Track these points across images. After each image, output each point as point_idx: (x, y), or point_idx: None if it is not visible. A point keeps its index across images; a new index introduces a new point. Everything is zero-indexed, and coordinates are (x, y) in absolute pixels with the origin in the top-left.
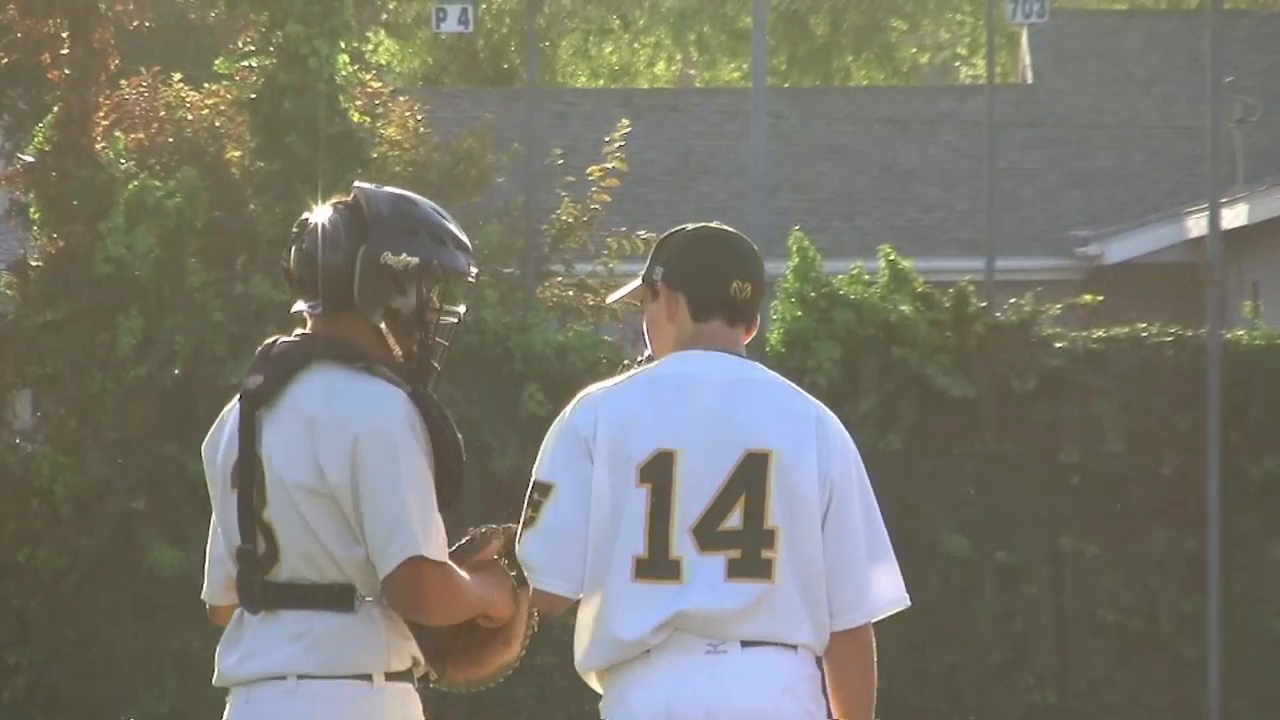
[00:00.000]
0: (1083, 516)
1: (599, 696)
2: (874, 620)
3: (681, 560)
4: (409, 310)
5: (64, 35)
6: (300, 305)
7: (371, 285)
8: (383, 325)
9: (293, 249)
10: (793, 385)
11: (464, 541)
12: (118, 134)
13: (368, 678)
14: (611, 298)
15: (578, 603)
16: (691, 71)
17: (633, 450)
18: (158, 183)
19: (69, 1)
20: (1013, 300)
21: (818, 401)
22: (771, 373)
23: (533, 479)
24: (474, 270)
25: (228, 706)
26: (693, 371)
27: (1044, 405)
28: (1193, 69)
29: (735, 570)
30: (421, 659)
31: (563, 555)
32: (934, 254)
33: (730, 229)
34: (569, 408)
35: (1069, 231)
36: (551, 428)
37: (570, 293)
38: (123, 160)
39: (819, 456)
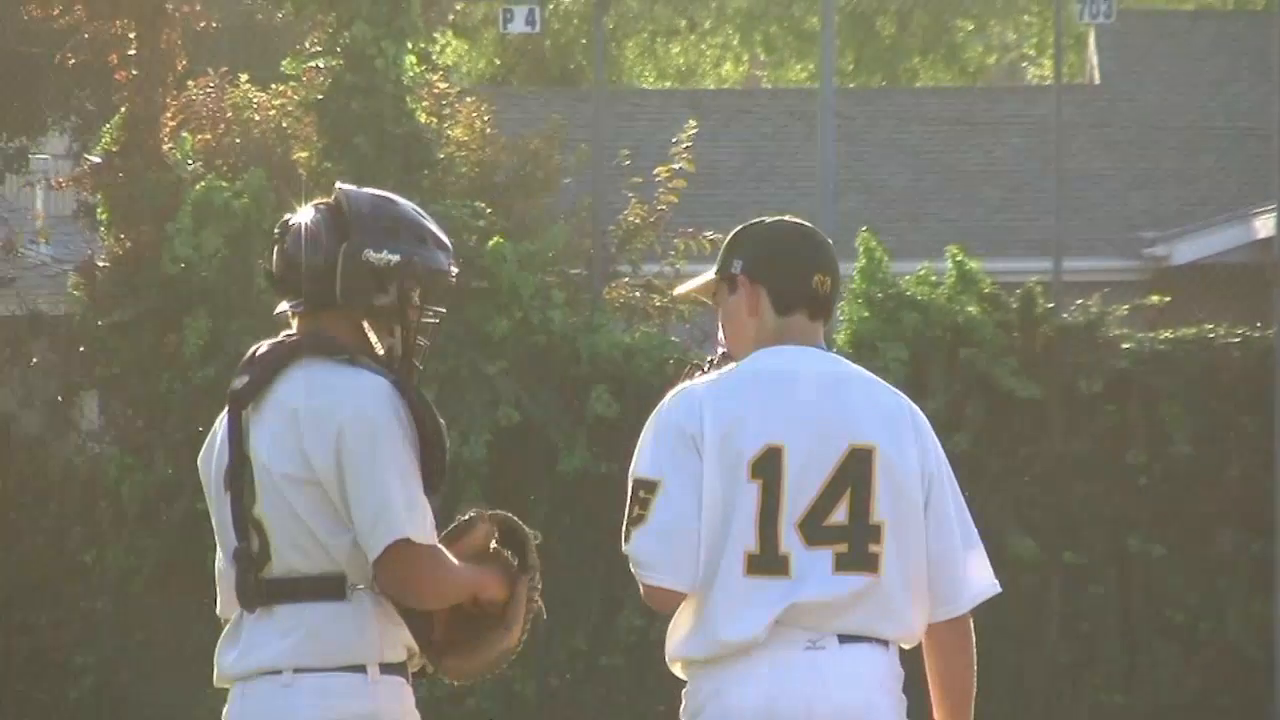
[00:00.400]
0: (1150, 518)
1: (666, 697)
2: (974, 607)
3: (790, 555)
4: (391, 307)
5: (131, 36)
6: (282, 306)
7: (354, 282)
8: (365, 323)
9: (274, 250)
10: (879, 379)
11: (450, 528)
12: (185, 135)
13: (362, 670)
14: (679, 289)
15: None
16: (759, 72)
17: (743, 446)
18: (224, 184)
19: (136, 3)
20: (1080, 301)
21: (903, 395)
22: (858, 367)
23: (634, 476)
24: (454, 270)
25: (227, 704)
26: (790, 367)
27: (1111, 406)
28: (1261, 69)
29: (843, 564)
30: (416, 650)
31: (677, 551)
32: (1001, 255)
33: (806, 223)
34: (667, 404)
35: (1136, 232)
36: (649, 424)
37: (637, 294)
38: (190, 161)
39: (917, 451)
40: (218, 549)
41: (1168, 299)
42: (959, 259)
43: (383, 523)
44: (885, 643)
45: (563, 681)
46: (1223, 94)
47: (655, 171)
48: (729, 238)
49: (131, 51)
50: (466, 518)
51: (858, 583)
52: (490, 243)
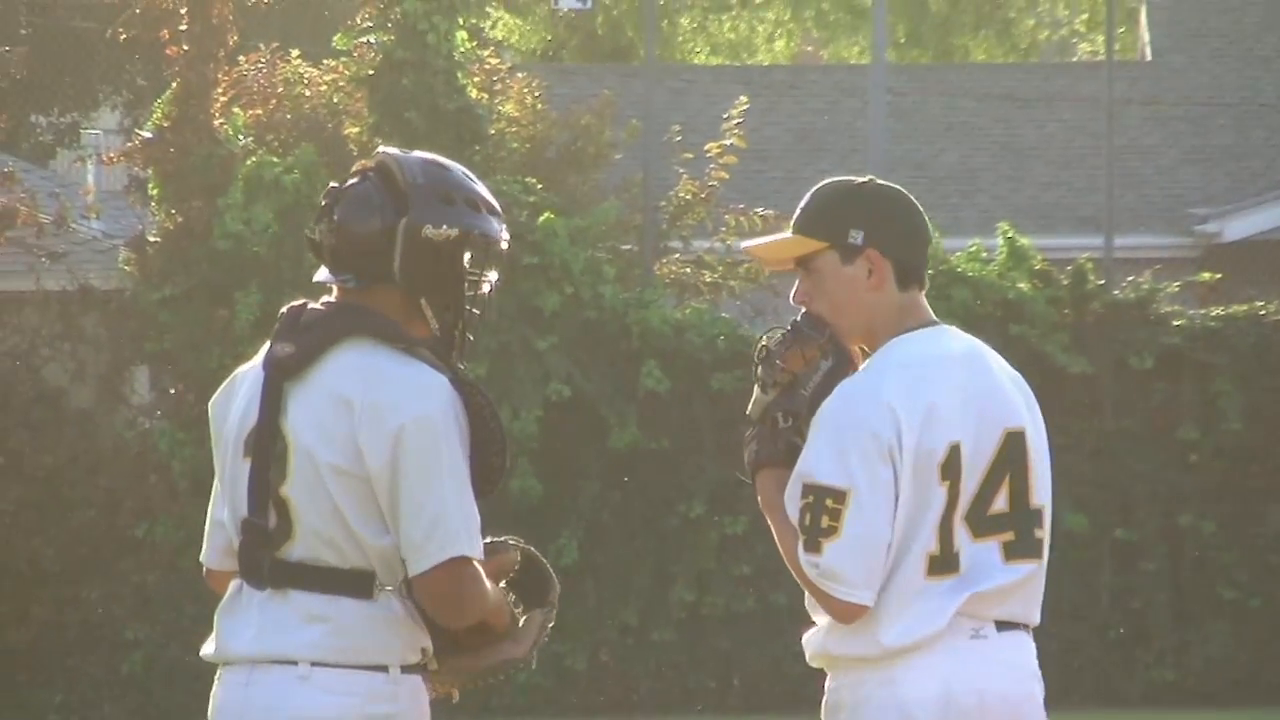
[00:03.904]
0: (1201, 494)
1: (716, 672)
2: None
3: (960, 551)
4: (449, 283)
5: (183, 11)
6: (323, 275)
7: (413, 259)
8: (422, 300)
9: (323, 220)
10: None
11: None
12: (236, 110)
13: (384, 669)
14: (751, 243)
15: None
16: (810, 48)
17: (933, 447)
18: (275, 159)
19: None
20: (1131, 278)
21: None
22: (975, 339)
23: (816, 481)
24: (506, 236)
25: (219, 685)
26: (939, 351)
27: (1162, 383)
28: None
29: (1012, 552)
30: (430, 650)
31: (871, 565)
32: (1052, 232)
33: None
34: (848, 405)
35: (1187, 209)
36: (828, 424)
37: (688, 270)
38: (241, 136)
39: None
40: (217, 497)
41: (1219, 276)
42: (1010, 235)
43: (438, 537)
44: (1029, 629)
45: (613, 656)
46: (1274, 69)
47: (706, 148)
48: (831, 200)
49: (183, 26)
50: (498, 540)
51: (1026, 570)
52: (541, 218)
